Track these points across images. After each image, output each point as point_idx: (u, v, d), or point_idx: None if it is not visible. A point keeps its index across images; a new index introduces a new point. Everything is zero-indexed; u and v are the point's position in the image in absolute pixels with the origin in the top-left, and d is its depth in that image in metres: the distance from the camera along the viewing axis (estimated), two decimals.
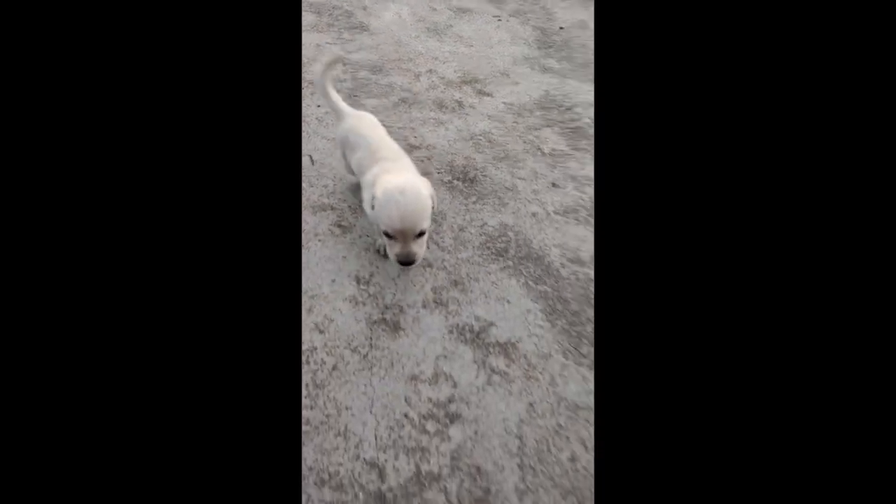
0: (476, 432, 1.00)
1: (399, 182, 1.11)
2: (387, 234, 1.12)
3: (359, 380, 1.09)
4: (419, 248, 1.13)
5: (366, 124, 1.42)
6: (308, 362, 1.12)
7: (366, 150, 1.33)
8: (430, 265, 1.37)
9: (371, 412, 1.03)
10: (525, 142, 1.89)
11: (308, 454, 0.95)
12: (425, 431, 1.00)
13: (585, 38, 2.67)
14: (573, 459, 0.97)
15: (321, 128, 1.88)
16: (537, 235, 1.48)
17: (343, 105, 1.49)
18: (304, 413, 1.01)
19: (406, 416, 1.03)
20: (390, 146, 1.36)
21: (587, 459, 0.96)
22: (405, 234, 1.09)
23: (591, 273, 1.36)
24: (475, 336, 1.20)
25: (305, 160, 1.68)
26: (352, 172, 1.46)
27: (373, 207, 1.13)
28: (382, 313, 1.24)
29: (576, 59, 2.47)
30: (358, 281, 1.32)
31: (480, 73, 2.34)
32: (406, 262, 1.11)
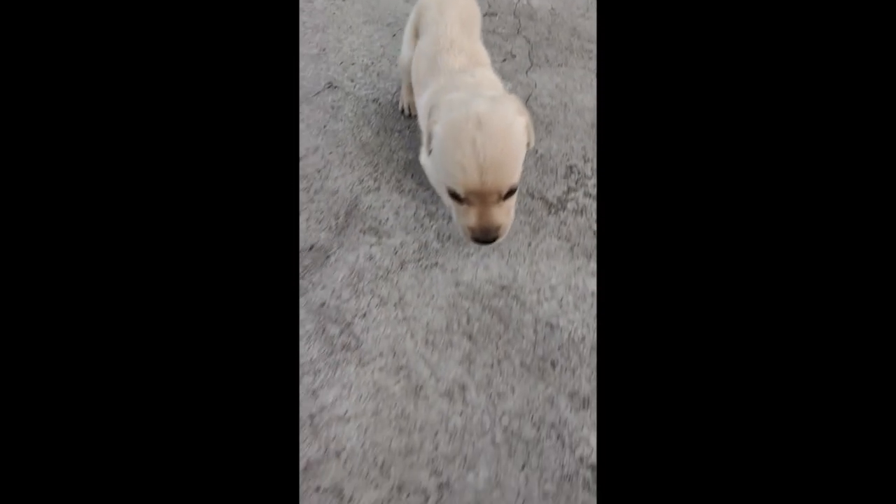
0: None
1: (475, 106, 0.67)
2: (454, 196, 0.70)
3: None
4: (505, 217, 0.71)
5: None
6: None
7: (431, 41, 0.84)
8: None
9: None
10: None
11: None
12: None
13: None
14: None
15: None
16: None
17: None
18: None
19: None
20: (469, 46, 0.84)
21: None
22: (484, 195, 0.67)
23: None
24: None
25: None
26: (408, 79, 1.00)
27: (430, 153, 0.70)
28: None
29: None
30: None
31: None
32: (486, 238, 0.71)
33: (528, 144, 0.72)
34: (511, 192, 0.71)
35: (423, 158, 0.81)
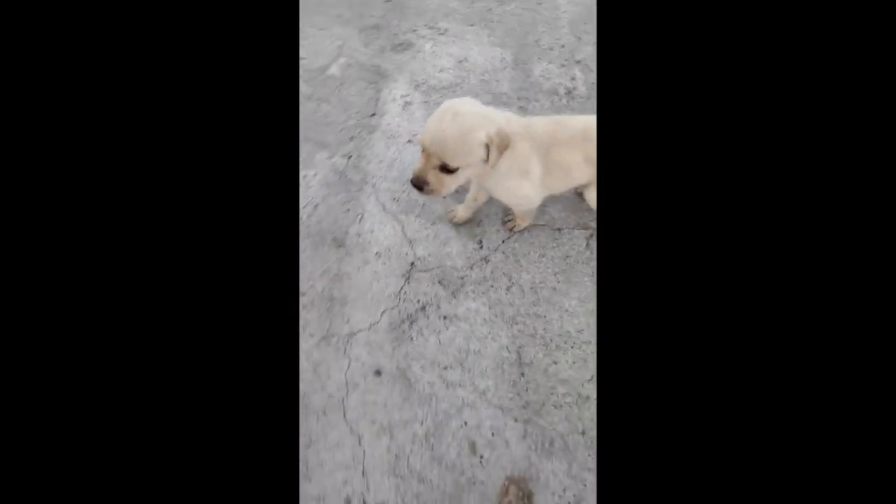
0: None
1: (463, 105, 0.99)
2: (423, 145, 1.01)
3: None
4: (436, 182, 1.00)
5: None
6: None
7: None
8: None
9: None
10: None
11: None
12: None
13: None
14: None
15: None
16: None
17: None
18: None
19: None
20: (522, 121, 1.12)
21: None
22: (429, 156, 0.99)
23: None
24: None
25: None
26: None
27: None
28: None
29: None
30: None
31: None
32: (414, 184, 1.01)
33: (484, 159, 1.00)
34: (448, 171, 1.00)
35: None
